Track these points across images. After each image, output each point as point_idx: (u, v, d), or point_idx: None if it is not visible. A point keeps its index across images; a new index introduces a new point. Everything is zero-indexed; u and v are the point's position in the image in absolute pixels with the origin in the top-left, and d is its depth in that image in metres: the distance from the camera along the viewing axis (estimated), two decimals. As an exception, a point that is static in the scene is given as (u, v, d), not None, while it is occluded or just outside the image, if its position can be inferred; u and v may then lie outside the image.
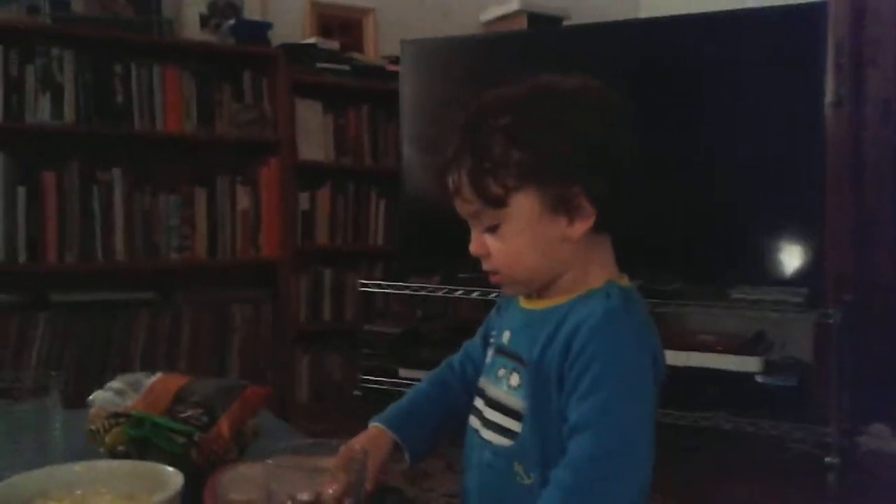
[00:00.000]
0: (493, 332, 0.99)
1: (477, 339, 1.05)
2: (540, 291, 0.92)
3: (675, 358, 2.59)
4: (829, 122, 2.73)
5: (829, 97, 2.74)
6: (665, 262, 2.52)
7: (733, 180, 2.58)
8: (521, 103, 0.88)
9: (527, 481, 0.87)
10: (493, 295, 2.84)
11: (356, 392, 3.07)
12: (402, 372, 3.06)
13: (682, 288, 2.64)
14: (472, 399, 0.99)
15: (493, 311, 1.04)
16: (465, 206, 0.90)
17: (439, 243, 3.10)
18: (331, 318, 3.52)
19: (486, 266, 0.92)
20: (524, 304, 0.95)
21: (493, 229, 0.89)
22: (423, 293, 3.10)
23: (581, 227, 0.86)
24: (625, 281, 0.91)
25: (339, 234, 3.54)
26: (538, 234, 0.87)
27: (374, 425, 1.00)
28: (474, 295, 2.90)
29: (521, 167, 0.85)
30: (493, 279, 0.92)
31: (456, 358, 1.07)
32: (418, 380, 3.19)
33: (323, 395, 3.47)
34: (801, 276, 2.51)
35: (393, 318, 3.47)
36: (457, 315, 3.68)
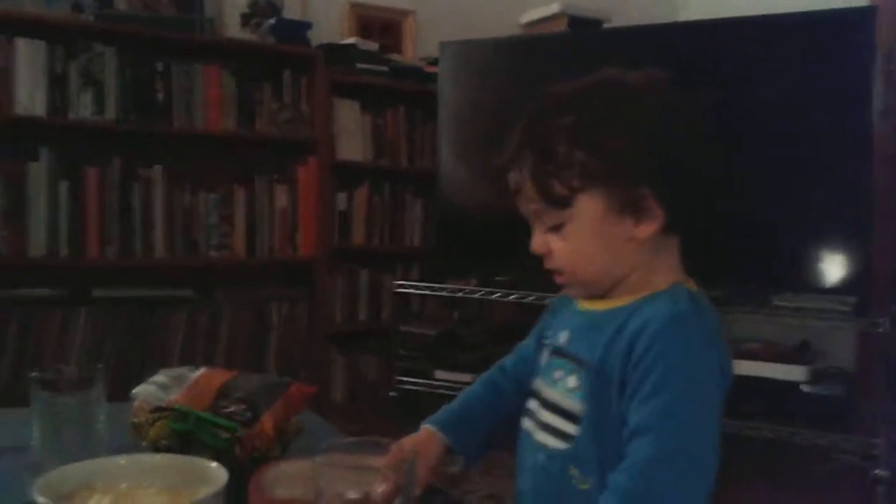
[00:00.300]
0: (548, 334, 0.96)
1: (530, 341, 1.03)
2: (603, 293, 0.89)
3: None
4: (878, 130, 2.66)
5: (877, 105, 2.68)
6: (708, 269, 2.47)
7: (779, 187, 2.53)
8: (586, 101, 0.85)
9: (583, 486, 0.84)
10: (531, 298, 2.82)
11: (391, 393, 3.05)
12: (438, 374, 3.04)
13: (726, 295, 2.60)
14: (524, 401, 0.97)
15: (546, 313, 1.01)
16: (528, 204, 0.88)
17: (475, 245, 3.10)
18: (366, 319, 3.51)
19: (548, 265, 0.89)
20: (583, 304, 0.92)
21: (556, 228, 0.87)
22: (460, 295, 3.07)
23: (648, 228, 0.84)
24: (692, 284, 0.88)
25: (376, 235, 3.53)
26: (604, 235, 0.84)
27: (426, 427, 0.98)
28: (511, 298, 2.88)
29: (585, 169, 0.82)
30: (558, 280, 0.90)
31: (508, 360, 1.05)
32: (454, 382, 3.19)
33: (358, 396, 3.46)
34: (848, 284, 2.45)
35: (429, 320, 3.45)
36: (493, 318, 3.66)
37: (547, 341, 0.95)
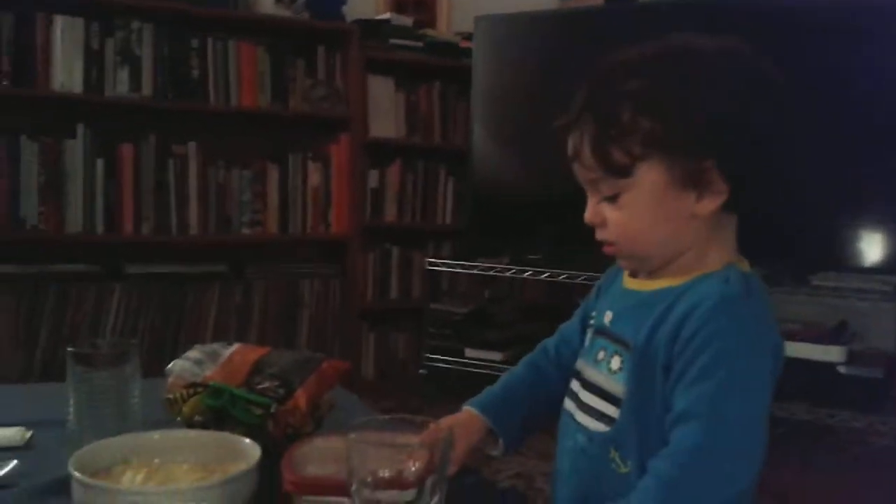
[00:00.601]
0: (593, 314, 0.93)
1: (574, 322, 1.00)
2: (653, 270, 0.86)
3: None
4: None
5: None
6: (743, 246, 2.44)
7: (820, 165, 2.48)
8: (654, 66, 0.81)
9: (623, 469, 0.82)
10: (563, 277, 2.80)
11: (421, 371, 3.06)
12: (468, 352, 3.04)
13: (765, 274, 2.56)
14: (568, 383, 0.95)
15: (592, 293, 0.98)
16: (585, 172, 0.84)
17: (508, 223, 3.08)
18: (398, 296, 3.52)
19: (600, 236, 0.86)
20: (630, 284, 0.89)
21: (612, 198, 0.83)
22: (492, 273, 3.06)
23: (710, 204, 0.80)
24: (746, 266, 0.84)
25: (408, 212, 3.53)
26: (662, 208, 0.81)
27: (467, 409, 0.96)
28: (544, 276, 2.86)
29: (649, 137, 0.79)
30: (607, 250, 0.87)
31: (551, 341, 1.02)
32: (484, 360, 3.18)
33: (388, 373, 3.47)
34: (889, 264, 2.40)
35: (459, 298, 3.45)
36: (524, 297, 3.65)
37: (592, 321, 0.93)
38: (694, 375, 0.76)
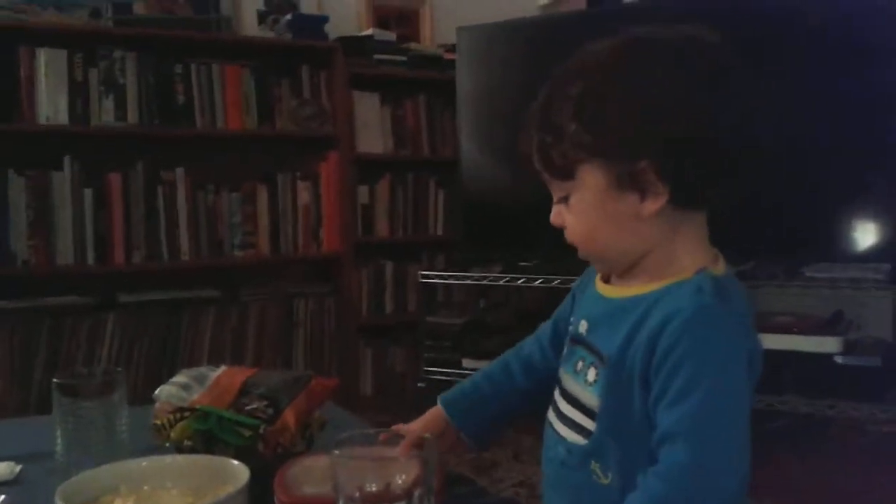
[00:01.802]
0: (571, 320, 0.92)
1: (548, 326, 1.00)
2: (622, 273, 0.85)
3: (749, 341, 2.50)
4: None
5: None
6: (736, 241, 2.44)
7: (807, 155, 2.48)
8: (599, 68, 0.80)
9: (604, 481, 0.81)
10: (557, 282, 2.80)
11: (420, 384, 3.05)
12: (466, 363, 3.03)
13: (755, 268, 2.56)
14: (540, 386, 0.95)
15: (567, 299, 0.98)
16: (540, 175, 0.85)
17: (500, 232, 3.07)
18: (393, 311, 3.52)
19: (566, 237, 0.86)
20: (603, 290, 0.88)
21: (565, 200, 0.83)
22: (486, 282, 3.06)
23: (653, 205, 0.78)
24: (720, 267, 0.82)
25: (399, 226, 3.53)
26: (607, 210, 0.80)
27: (436, 408, 0.97)
28: (537, 283, 2.85)
29: (581, 141, 0.79)
30: (579, 253, 0.87)
31: (527, 342, 1.02)
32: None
33: (387, 388, 3.47)
34: (882, 252, 2.40)
35: (455, 309, 3.44)
36: (520, 304, 3.64)
37: (570, 327, 0.92)
38: (675, 394, 0.75)
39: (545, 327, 1.01)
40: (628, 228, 0.81)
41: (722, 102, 0.78)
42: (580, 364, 0.86)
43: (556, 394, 0.90)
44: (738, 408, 0.76)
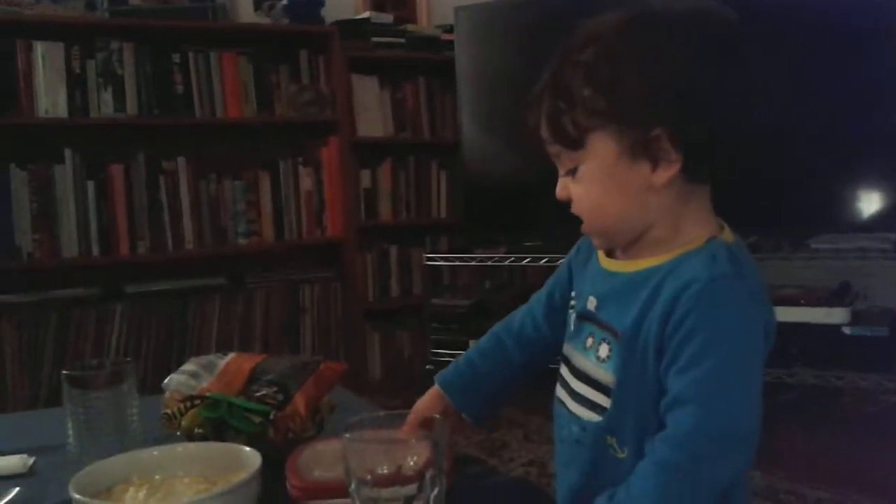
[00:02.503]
0: (573, 294, 0.92)
1: (542, 295, 0.99)
2: (627, 247, 0.84)
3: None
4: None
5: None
6: (741, 214, 2.44)
7: (809, 126, 2.47)
8: (609, 35, 0.79)
9: (621, 454, 0.81)
10: (561, 260, 2.79)
11: (428, 367, 3.06)
12: (473, 344, 3.03)
13: (760, 240, 2.55)
14: (533, 358, 0.95)
15: (561, 272, 0.97)
16: (548, 147, 0.84)
17: (503, 212, 3.07)
18: (399, 294, 3.52)
19: (573, 210, 0.85)
20: (609, 265, 0.87)
21: (573, 172, 0.82)
22: (490, 263, 3.06)
23: (664, 174, 0.77)
24: (728, 235, 0.82)
25: (402, 210, 3.53)
26: (618, 180, 0.79)
27: (434, 388, 0.97)
28: (543, 262, 2.85)
29: (595, 106, 0.78)
30: (582, 228, 0.86)
31: (518, 314, 1.00)
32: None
33: (395, 372, 3.48)
34: (887, 221, 2.39)
35: (461, 291, 3.45)
36: (525, 283, 3.65)
37: (573, 302, 0.91)
38: (687, 359, 0.74)
39: (537, 299, 0.99)
40: (637, 199, 0.80)
41: (730, 73, 0.78)
42: (590, 340, 0.85)
43: (566, 371, 0.89)
44: (749, 377, 0.75)
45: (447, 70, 3.21)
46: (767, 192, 2.46)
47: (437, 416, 0.81)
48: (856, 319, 2.49)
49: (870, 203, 2.45)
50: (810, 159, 2.47)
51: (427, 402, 0.95)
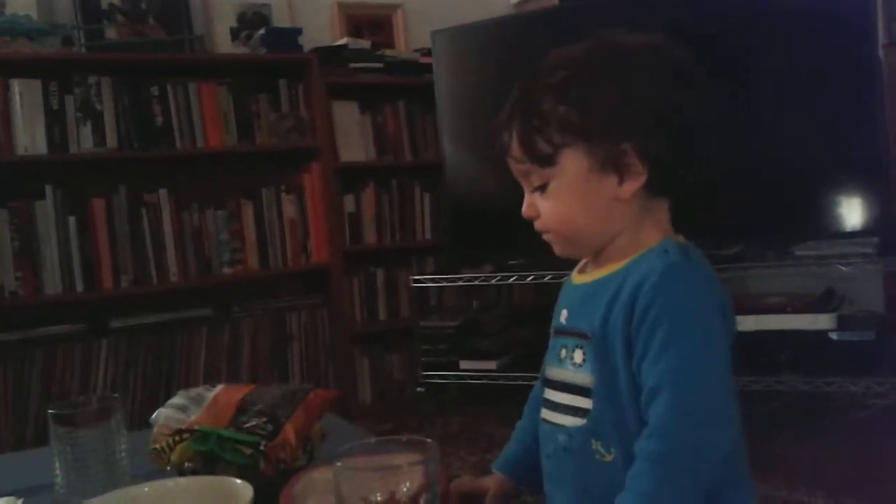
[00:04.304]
0: (554, 317, 0.96)
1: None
2: (592, 257, 0.91)
3: (743, 323, 2.51)
4: (885, 64, 2.61)
5: (882, 39, 2.63)
6: (723, 226, 2.45)
7: (785, 135, 2.49)
8: (577, 60, 0.86)
9: (607, 458, 0.84)
10: (548, 278, 2.79)
11: (419, 389, 3.04)
12: (463, 364, 3.03)
13: (744, 250, 2.56)
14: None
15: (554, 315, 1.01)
16: (516, 165, 0.89)
17: (488, 232, 3.07)
18: (387, 318, 3.51)
19: (537, 227, 0.90)
20: (577, 279, 0.93)
21: (542, 188, 0.87)
22: (477, 282, 3.06)
23: (631, 186, 0.84)
24: (681, 238, 0.88)
25: (387, 233, 3.52)
26: (588, 193, 0.85)
27: (497, 474, 1.00)
28: (529, 279, 2.86)
29: (568, 123, 0.83)
30: (545, 238, 0.91)
31: (537, 384, 1.03)
32: (479, 370, 3.13)
33: (385, 395, 3.46)
34: (869, 225, 2.41)
35: (449, 312, 3.44)
36: (512, 302, 3.65)
37: (553, 324, 0.95)
38: (656, 350, 0.78)
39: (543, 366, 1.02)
40: (604, 210, 0.86)
41: (688, 96, 0.84)
42: (563, 352, 0.89)
43: (547, 391, 0.92)
44: (717, 355, 0.80)
45: (426, 93, 3.22)
46: (751, 203, 2.48)
47: (429, 440, 0.80)
48: (842, 325, 2.51)
49: (850, 209, 2.46)
50: (790, 169, 2.49)
51: (492, 487, 0.99)
